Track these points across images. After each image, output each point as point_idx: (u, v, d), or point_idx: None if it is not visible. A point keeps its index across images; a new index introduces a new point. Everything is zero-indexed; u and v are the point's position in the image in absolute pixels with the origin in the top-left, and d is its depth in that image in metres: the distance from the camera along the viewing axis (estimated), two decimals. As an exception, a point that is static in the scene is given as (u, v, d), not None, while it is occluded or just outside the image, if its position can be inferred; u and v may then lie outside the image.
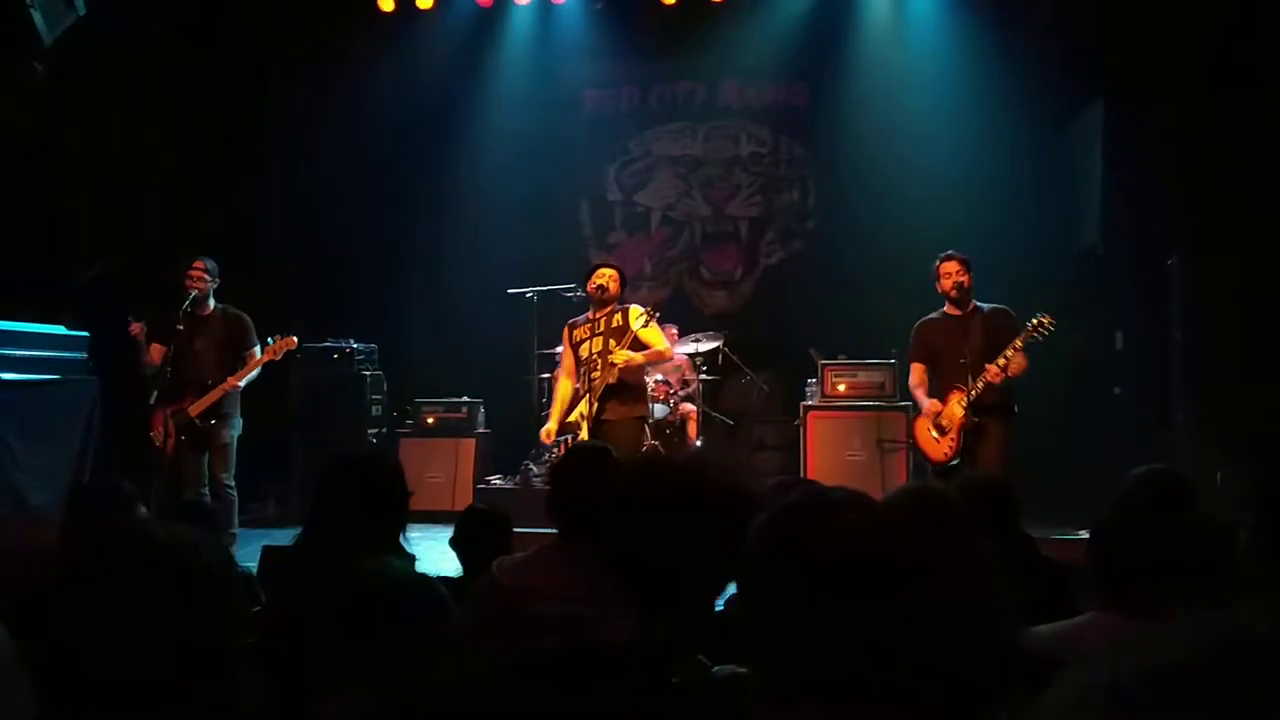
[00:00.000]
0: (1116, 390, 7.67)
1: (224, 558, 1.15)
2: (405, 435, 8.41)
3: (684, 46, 9.20)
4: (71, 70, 7.00)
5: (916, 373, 5.66)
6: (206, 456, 5.89)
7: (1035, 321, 5.23)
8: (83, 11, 6.11)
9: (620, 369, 5.43)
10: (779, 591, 1.16)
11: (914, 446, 5.70)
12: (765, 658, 1.17)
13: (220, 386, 5.83)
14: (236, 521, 6.03)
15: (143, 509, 3.02)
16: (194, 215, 8.30)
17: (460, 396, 8.50)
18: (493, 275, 8.41)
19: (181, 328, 5.81)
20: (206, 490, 5.82)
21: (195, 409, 5.80)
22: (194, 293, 5.94)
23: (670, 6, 8.86)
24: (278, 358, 5.99)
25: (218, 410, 5.88)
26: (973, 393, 5.28)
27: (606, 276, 5.67)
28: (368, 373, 8.40)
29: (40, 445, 6.48)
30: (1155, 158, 7.25)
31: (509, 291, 7.94)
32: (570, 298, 7.86)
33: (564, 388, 5.79)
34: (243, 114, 8.47)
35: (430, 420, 8.46)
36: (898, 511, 1.71)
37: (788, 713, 1.14)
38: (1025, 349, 5.24)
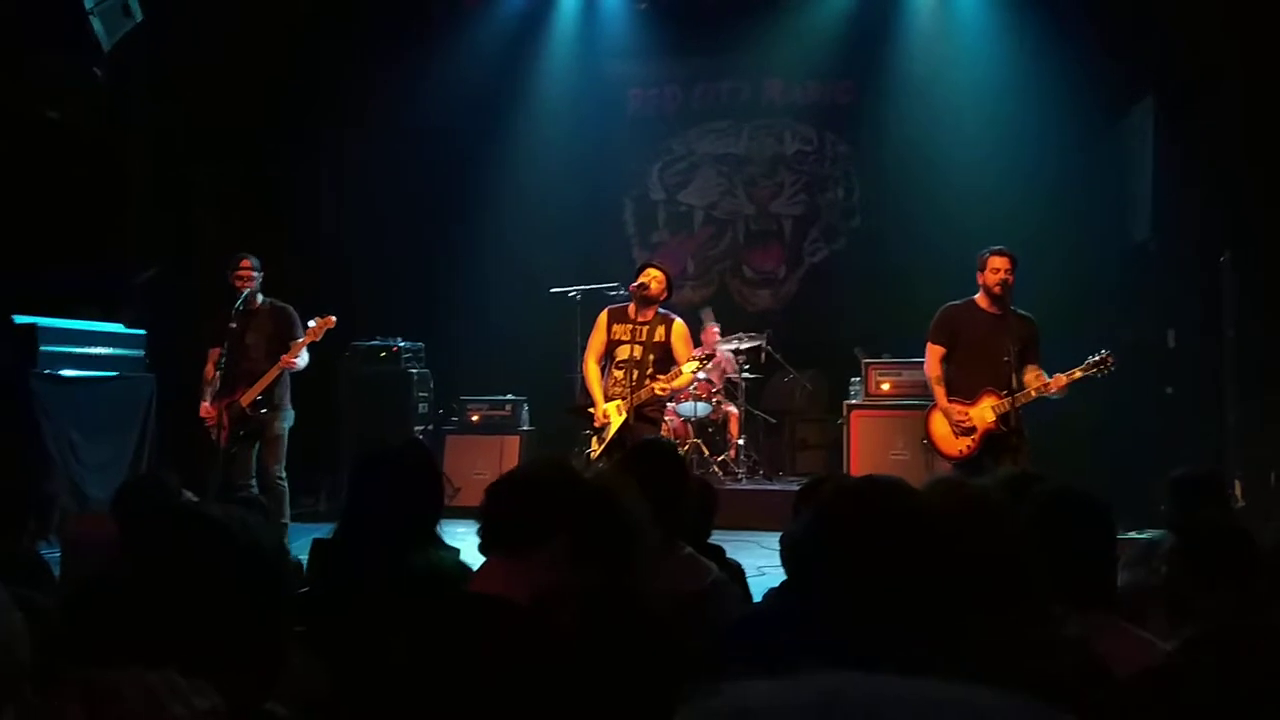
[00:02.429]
0: (1169, 390, 7.54)
1: (278, 542, 1.20)
2: (451, 432, 8.51)
3: (728, 45, 9.21)
4: (131, 75, 7.18)
5: (935, 356, 5.36)
6: (257, 449, 5.98)
7: (1099, 359, 5.06)
8: (140, 18, 6.27)
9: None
10: (828, 571, 1.18)
11: (926, 440, 5.45)
12: (811, 642, 1.20)
13: (269, 373, 5.91)
14: (288, 513, 6.09)
15: (189, 495, 3.11)
16: (246, 217, 8.48)
17: (505, 394, 8.59)
18: (537, 274, 8.47)
19: (234, 325, 5.95)
20: (255, 483, 5.91)
21: (246, 398, 5.88)
22: (245, 290, 6.05)
23: (714, 5, 8.88)
24: (319, 338, 6.04)
25: (270, 400, 5.96)
26: (1016, 401, 5.14)
27: (652, 277, 5.65)
28: (414, 370, 8.52)
29: (100, 440, 6.68)
30: (1209, 153, 7.12)
31: (552, 291, 8.00)
32: (614, 296, 7.90)
33: (592, 370, 5.79)
34: (293, 118, 8.63)
35: (475, 418, 8.56)
36: (937, 499, 1.72)
37: None
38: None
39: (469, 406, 8.60)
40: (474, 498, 7.77)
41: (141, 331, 7.20)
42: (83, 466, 6.51)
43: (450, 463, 7.84)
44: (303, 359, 6.00)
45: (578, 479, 1.95)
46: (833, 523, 1.22)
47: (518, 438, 8.36)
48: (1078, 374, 5.09)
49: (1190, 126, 7.36)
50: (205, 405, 5.93)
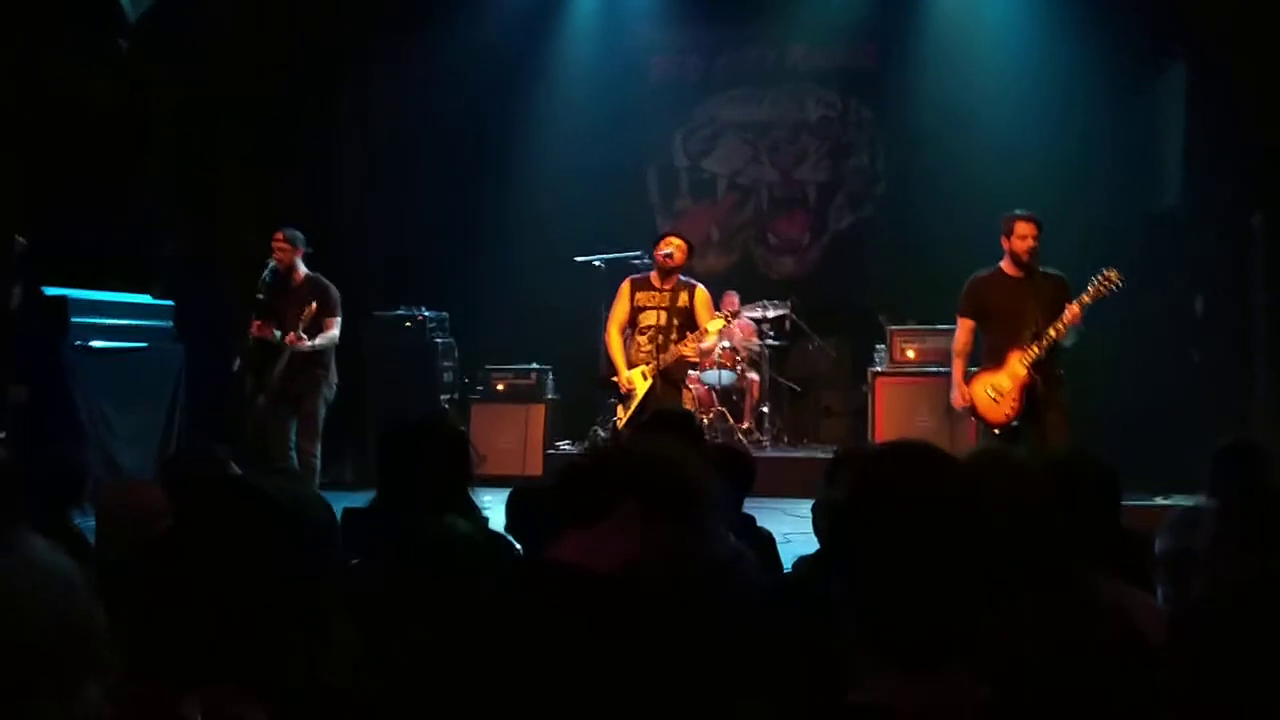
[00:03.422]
0: (1195, 357, 7.48)
1: (327, 515, 1.23)
2: (476, 401, 8.56)
3: (751, 11, 9.12)
4: (156, 46, 7.19)
5: (965, 329, 5.39)
6: (294, 425, 6.04)
7: (1103, 276, 5.03)
8: (164, -11, 6.29)
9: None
10: (865, 541, 1.19)
11: (973, 412, 5.47)
12: (853, 616, 1.21)
13: (309, 341, 5.93)
14: (316, 487, 6.21)
15: (235, 468, 3.15)
16: (270, 187, 8.51)
17: (529, 363, 8.62)
18: (560, 243, 8.47)
19: (261, 296, 6.02)
20: (294, 456, 6.00)
21: (292, 339, 5.86)
22: (272, 263, 6.14)
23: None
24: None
25: (310, 371, 5.99)
26: (1036, 352, 5.13)
27: (674, 245, 5.73)
28: (439, 340, 8.56)
29: (131, 410, 6.75)
30: (1239, 119, 7.01)
31: (577, 259, 8.00)
32: (638, 264, 7.89)
33: (615, 339, 5.87)
34: (315, 86, 8.63)
35: (500, 387, 8.60)
36: (973, 469, 1.73)
37: (869, 683, 1.17)
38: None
39: (494, 375, 8.64)
40: (500, 466, 7.98)
41: (169, 302, 7.25)
42: (115, 437, 6.58)
43: (476, 432, 7.89)
44: (323, 339, 6.02)
45: (642, 448, 1.96)
46: (872, 492, 1.23)
47: (543, 406, 8.41)
48: (1086, 298, 5.05)
49: (1221, 91, 7.25)
50: (256, 324, 5.95)
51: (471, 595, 0.95)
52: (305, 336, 5.89)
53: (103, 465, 6.46)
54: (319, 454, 6.09)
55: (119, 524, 3.49)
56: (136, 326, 6.98)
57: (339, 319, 6.14)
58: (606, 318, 5.92)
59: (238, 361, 6.21)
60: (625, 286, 5.89)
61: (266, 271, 6.10)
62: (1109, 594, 1.71)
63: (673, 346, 5.54)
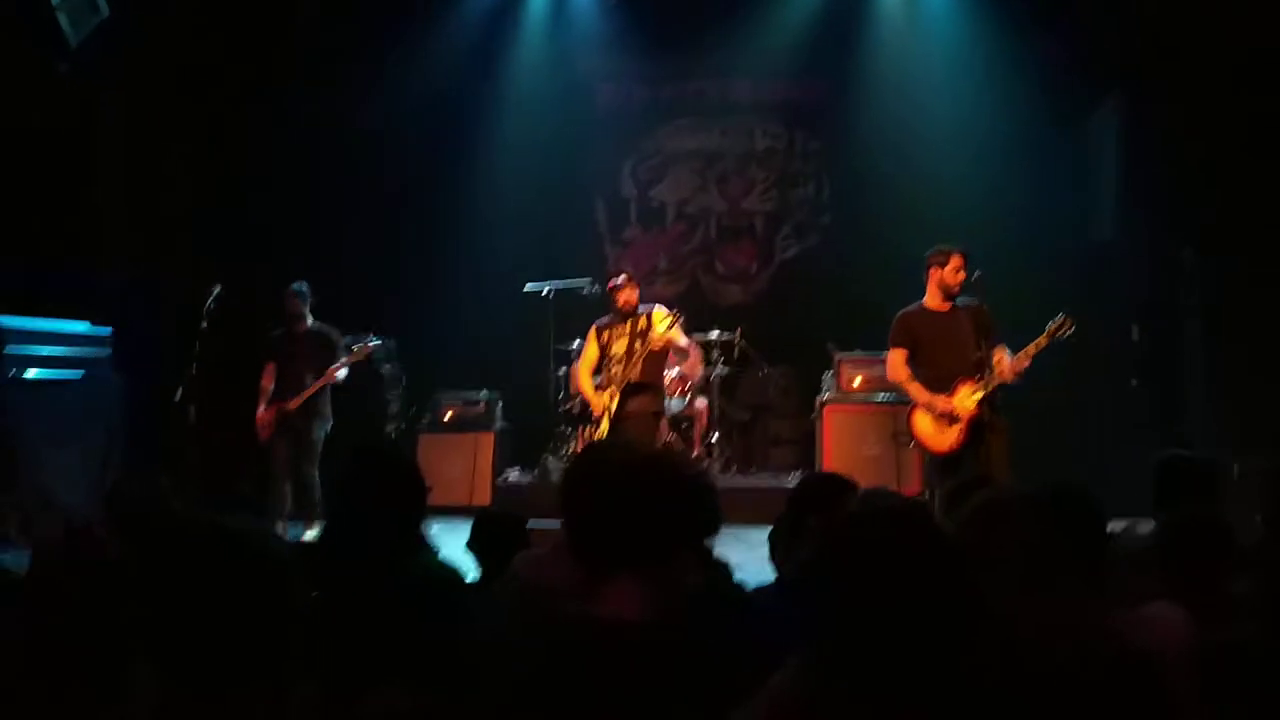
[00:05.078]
0: (1133, 382, 7.69)
1: (288, 551, 1.21)
2: (424, 430, 8.48)
3: (699, 42, 9.21)
4: (97, 70, 7.07)
5: (899, 358, 5.48)
6: (295, 450, 6.70)
7: (1059, 322, 5.18)
8: (107, 13, 6.18)
9: (641, 367, 6.09)
10: (838, 597, 1.19)
11: (912, 438, 5.51)
12: (827, 656, 1.21)
13: (311, 386, 6.73)
14: (319, 500, 6.49)
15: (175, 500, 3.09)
16: (215, 213, 8.39)
17: (478, 391, 8.56)
18: (509, 271, 8.45)
19: (277, 346, 6.91)
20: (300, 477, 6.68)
21: (293, 404, 6.69)
22: (218, 289, 6.58)
23: (685, 2, 8.89)
24: (362, 358, 7.07)
25: (313, 408, 6.77)
26: (989, 386, 5.26)
27: (624, 298, 6.21)
28: (386, 367, 8.47)
29: (66, 442, 6.57)
30: (1171, 152, 7.26)
31: (526, 287, 7.98)
32: (586, 294, 7.91)
33: (586, 381, 6.39)
34: (261, 114, 8.55)
35: (448, 415, 8.53)
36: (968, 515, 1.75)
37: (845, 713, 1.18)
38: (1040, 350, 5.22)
39: (442, 403, 8.56)
40: (448, 496, 7.99)
41: (107, 330, 7.09)
42: (49, 470, 6.40)
43: (423, 461, 7.75)
44: (341, 374, 6.84)
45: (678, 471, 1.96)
46: (851, 564, 1.23)
47: (491, 435, 8.34)
48: (1043, 341, 5.21)
49: (1154, 126, 7.50)
50: (260, 412, 6.75)
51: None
52: (302, 396, 6.73)
53: (36, 501, 6.28)
54: (318, 474, 6.66)
55: (54, 559, 3.37)
56: (72, 355, 6.81)
57: (343, 361, 6.88)
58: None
59: (180, 391, 6.09)
60: (592, 333, 6.38)
61: (211, 300, 6.46)
62: (1100, 615, 1.75)
63: (652, 333, 6.04)
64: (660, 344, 6.11)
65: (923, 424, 5.40)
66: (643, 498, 1.73)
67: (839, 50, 8.93)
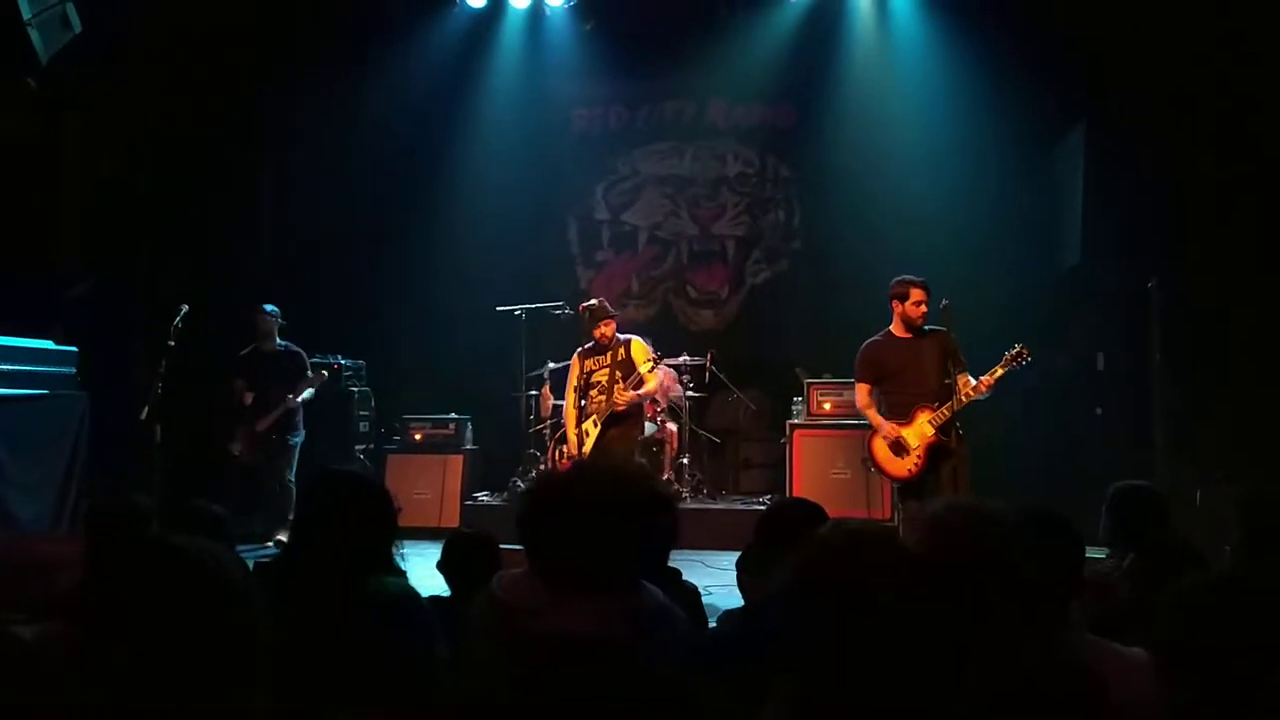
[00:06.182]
0: (1098, 410, 7.77)
1: (244, 572, 1.20)
2: (393, 451, 8.43)
3: (672, 67, 9.29)
4: (67, 86, 7.03)
5: (864, 393, 5.65)
6: (274, 459, 7.22)
7: (1015, 352, 5.28)
8: (79, 29, 6.15)
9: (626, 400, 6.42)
10: (809, 626, 1.20)
11: (872, 464, 5.63)
12: (798, 682, 1.21)
13: (279, 408, 7.18)
14: (293, 508, 6.72)
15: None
16: (184, 231, 8.33)
17: (448, 413, 8.53)
18: (481, 293, 8.45)
19: (248, 366, 7.31)
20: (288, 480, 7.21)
21: (262, 425, 7.20)
22: (185, 309, 6.65)
23: (659, 27, 8.96)
24: (316, 386, 7.37)
25: (287, 423, 7.23)
26: (946, 412, 5.33)
27: (601, 331, 6.46)
28: (355, 389, 8.42)
29: (28, 461, 6.46)
30: (1136, 179, 7.38)
31: (498, 309, 7.98)
32: (558, 315, 7.92)
33: (570, 406, 6.61)
34: (233, 133, 8.51)
35: (418, 437, 8.48)
36: (947, 534, 1.76)
37: None
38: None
39: (411, 425, 8.52)
40: (417, 518, 7.99)
41: (73, 349, 7.00)
42: (10, 487, 6.30)
43: (392, 482, 7.73)
44: (305, 394, 7.24)
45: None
46: (823, 589, 1.23)
47: (461, 457, 8.31)
48: (999, 371, 5.31)
49: (1120, 153, 7.62)
50: (241, 435, 7.27)
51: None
52: (270, 418, 7.20)
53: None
54: (294, 481, 7.15)
55: (12, 578, 3.31)
56: (36, 373, 6.70)
57: (309, 379, 7.29)
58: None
59: (145, 410, 6.02)
60: (575, 359, 6.61)
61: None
62: (1076, 646, 1.75)
63: (617, 389, 6.32)
64: (646, 394, 6.50)
65: (880, 450, 5.54)
66: (597, 519, 1.76)
67: (811, 77, 9.04)
